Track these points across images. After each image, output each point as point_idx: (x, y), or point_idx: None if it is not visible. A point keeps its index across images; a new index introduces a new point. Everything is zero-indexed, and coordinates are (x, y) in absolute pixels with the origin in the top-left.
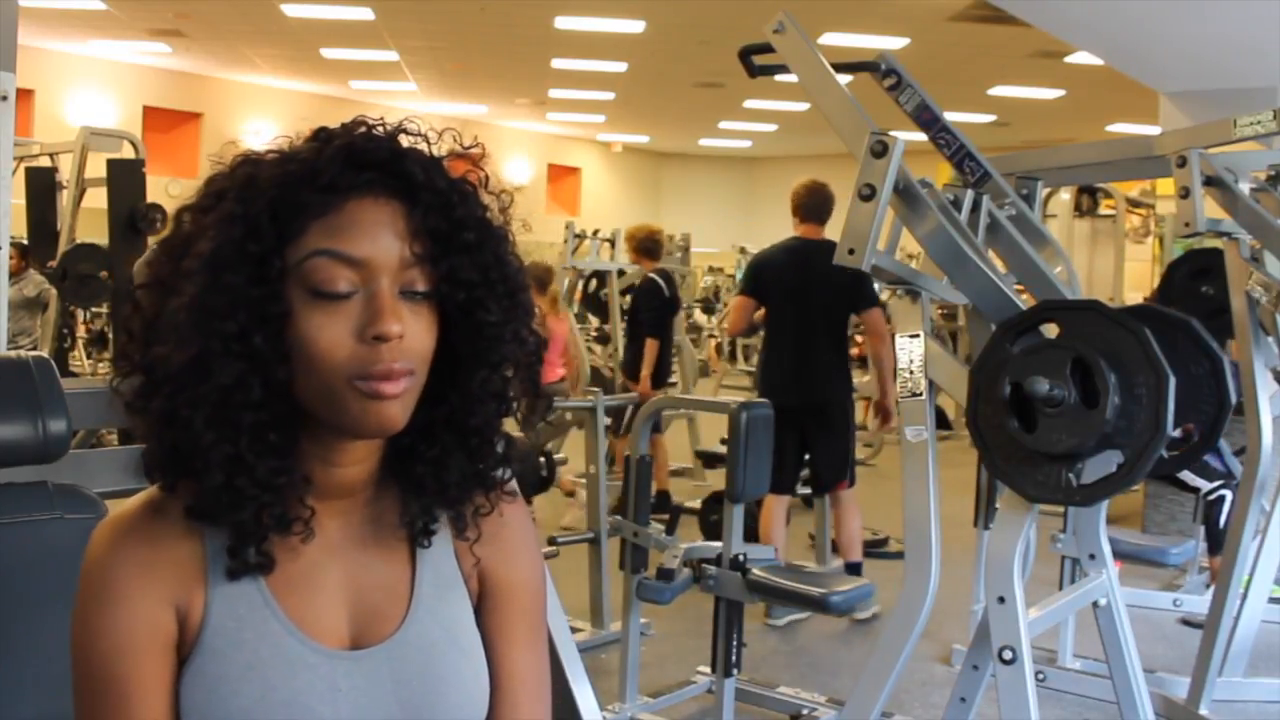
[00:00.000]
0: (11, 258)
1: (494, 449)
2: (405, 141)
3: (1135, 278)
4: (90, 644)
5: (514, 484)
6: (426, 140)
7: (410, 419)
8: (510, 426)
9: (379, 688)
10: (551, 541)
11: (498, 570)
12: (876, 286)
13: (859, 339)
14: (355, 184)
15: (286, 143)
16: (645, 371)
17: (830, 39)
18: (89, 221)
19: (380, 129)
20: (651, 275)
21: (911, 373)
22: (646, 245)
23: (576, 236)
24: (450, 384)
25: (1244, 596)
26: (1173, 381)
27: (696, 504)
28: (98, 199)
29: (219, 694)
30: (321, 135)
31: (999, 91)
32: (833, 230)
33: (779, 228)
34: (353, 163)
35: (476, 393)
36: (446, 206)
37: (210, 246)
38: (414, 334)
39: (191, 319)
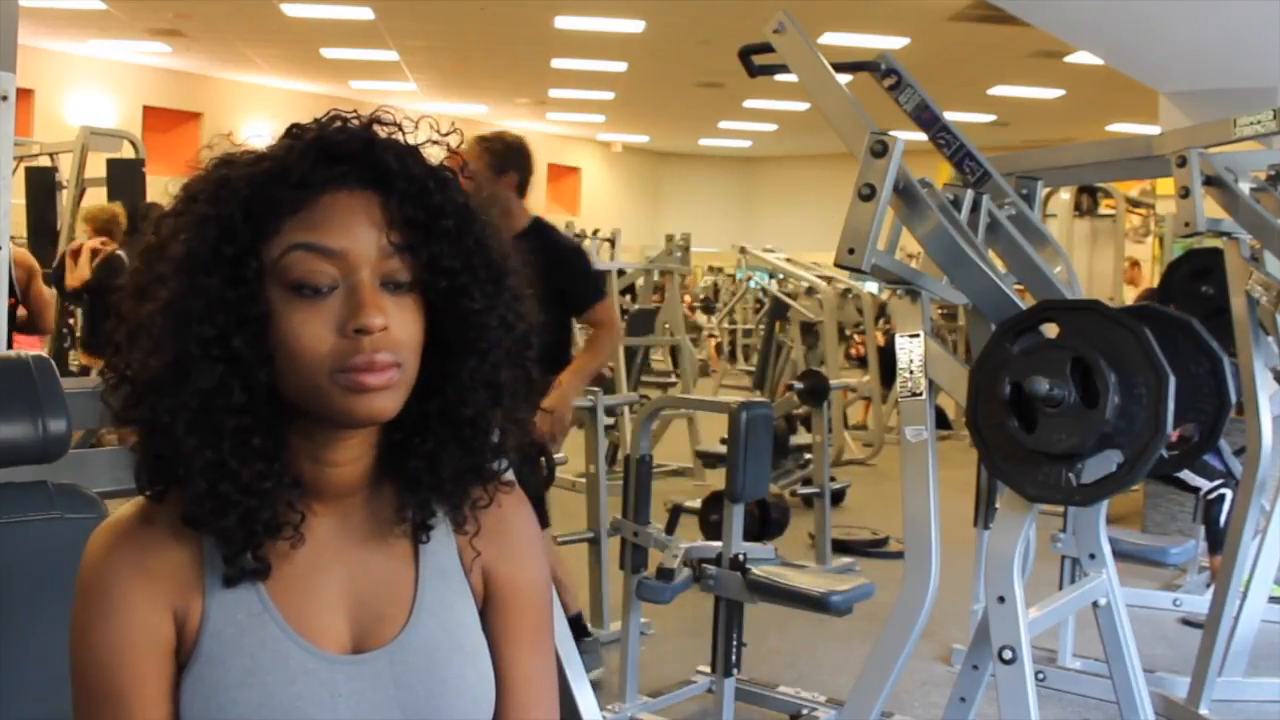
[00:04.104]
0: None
1: (489, 440)
2: (381, 132)
3: (1143, 277)
4: (88, 652)
5: (510, 475)
6: (401, 129)
7: (403, 413)
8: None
9: (380, 693)
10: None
11: (502, 569)
12: (877, 287)
13: (858, 338)
14: (329, 178)
15: (264, 142)
16: None
17: (830, 39)
18: None
19: (354, 120)
20: (119, 253)
21: (911, 373)
22: (106, 226)
23: (576, 236)
24: (440, 375)
25: (1244, 596)
26: (1173, 381)
27: (696, 504)
28: (98, 199)
29: (218, 701)
30: (294, 131)
31: (999, 91)
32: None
33: (779, 227)
34: (325, 156)
35: (467, 382)
36: (423, 194)
37: (183, 249)
38: (398, 325)
39: (167, 324)
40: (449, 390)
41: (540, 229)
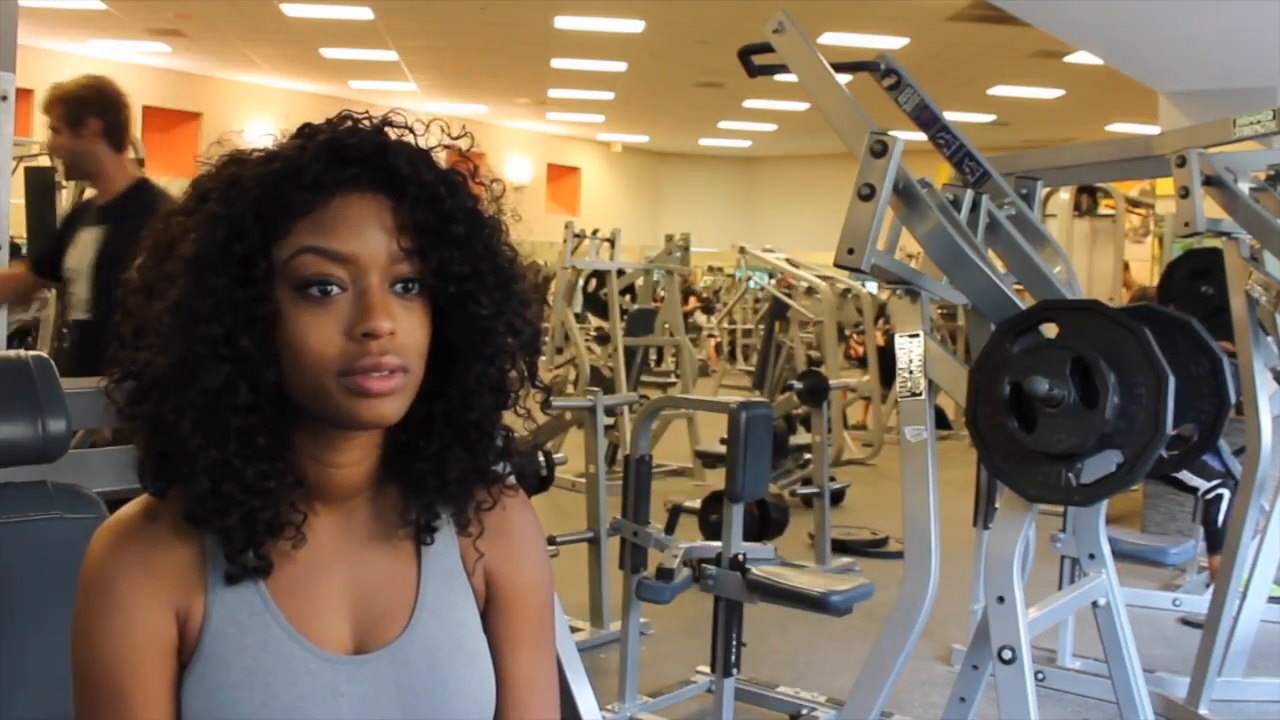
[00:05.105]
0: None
1: (493, 443)
2: (392, 134)
3: (1135, 278)
4: (90, 652)
5: (512, 478)
6: (413, 132)
7: (408, 415)
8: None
9: (382, 693)
10: (551, 541)
11: (504, 571)
12: (874, 286)
13: (857, 338)
14: (340, 180)
15: (274, 141)
16: None
17: (830, 39)
18: None
19: (366, 122)
20: None
21: (911, 373)
22: None
23: (576, 236)
24: (446, 378)
25: (1243, 596)
26: (1172, 381)
27: (696, 504)
28: None
29: (220, 700)
30: (306, 132)
31: (999, 91)
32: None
33: (779, 227)
34: (337, 158)
35: (473, 386)
36: (434, 199)
37: (193, 248)
38: (406, 330)
39: (175, 322)
40: (454, 393)
41: (141, 191)
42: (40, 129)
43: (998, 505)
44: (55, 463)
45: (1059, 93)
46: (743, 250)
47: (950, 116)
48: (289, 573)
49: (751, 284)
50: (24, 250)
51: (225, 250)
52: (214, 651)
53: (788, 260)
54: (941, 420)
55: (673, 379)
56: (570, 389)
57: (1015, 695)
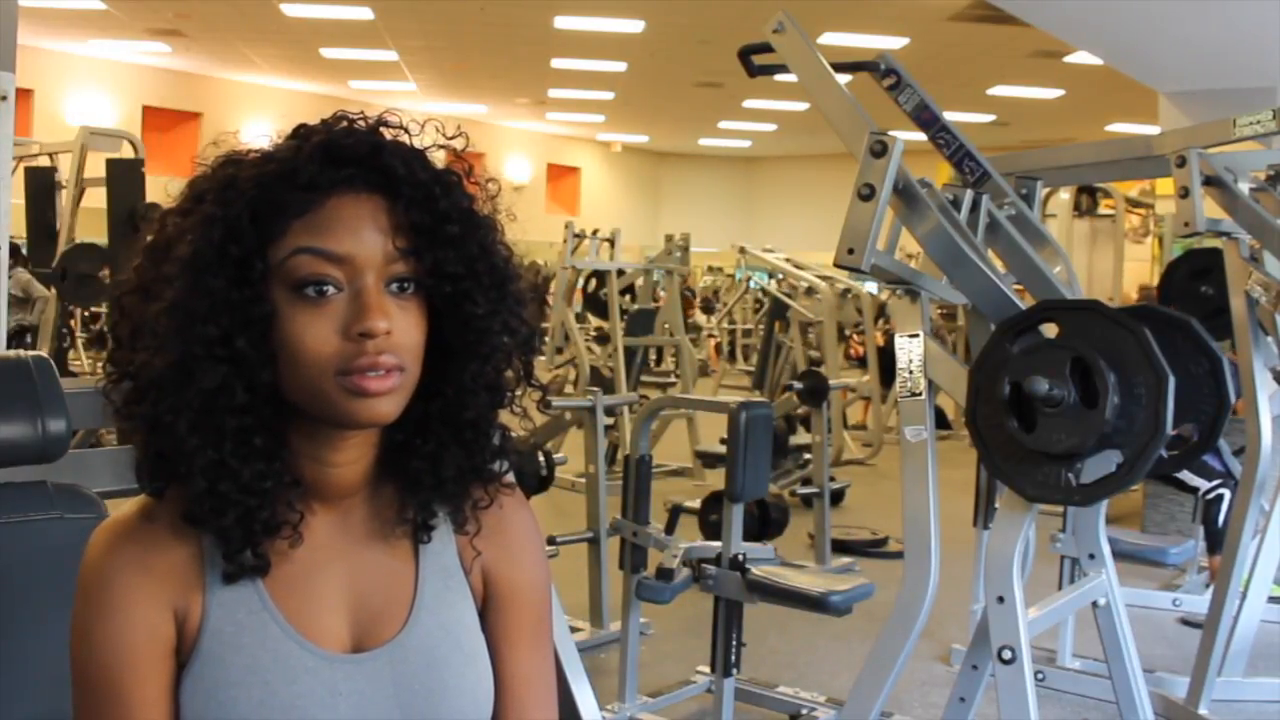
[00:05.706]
0: None
1: (489, 441)
2: (387, 134)
3: (1135, 278)
4: (89, 652)
5: (511, 476)
6: (408, 132)
7: (404, 414)
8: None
9: (380, 692)
10: (551, 541)
11: (502, 570)
12: (874, 286)
13: (857, 338)
14: (335, 180)
15: (269, 141)
16: None
17: (830, 39)
18: (89, 221)
19: (361, 123)
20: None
21: (911, 373)
22: None
23: (576, 236)
24: (442, 377)
25: (1243, 596)
26: (1172, 381)
27: (696, 504)
28: (97, 199)
29: (218, 699)
30: (301, 132)
31: (999, 91)
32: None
33: (779, 227)
34: (332, 159)
35: (469, 385)
36: (429, 199)
37: (189, 250)
38: (402, 329)
39: (172, 323)
40: (450, 392)
41: None
42: (40, 129)
43: (998, 505)
44: (55, 463)
45: (1059, 93)
46: (743, 250)
47: (950, 116)
48: (287, 572)
49: (751, 284)
50: (23, 250)
51: (221, 251)
52: (212, 651)
53: (788, 260)
54: (941, 420)
55: (673, 379)
56: (570, 389)
57: (1015, 695)
